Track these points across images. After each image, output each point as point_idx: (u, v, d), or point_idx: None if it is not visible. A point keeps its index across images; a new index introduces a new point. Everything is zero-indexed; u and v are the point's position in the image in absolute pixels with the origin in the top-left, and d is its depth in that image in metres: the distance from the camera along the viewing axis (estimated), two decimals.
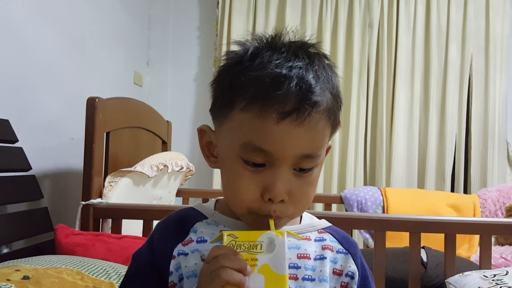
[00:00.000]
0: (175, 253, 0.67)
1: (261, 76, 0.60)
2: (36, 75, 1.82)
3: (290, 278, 0.62)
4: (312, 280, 0.66)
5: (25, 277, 1.02)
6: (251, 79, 0.61)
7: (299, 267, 0.66)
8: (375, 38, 3.02)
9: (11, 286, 0.96)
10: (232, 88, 0.62)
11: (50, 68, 1.92)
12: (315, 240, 0.70)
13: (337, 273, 0.69)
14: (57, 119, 1.96)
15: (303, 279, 0.65)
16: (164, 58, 3.17)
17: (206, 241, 0.67)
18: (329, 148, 0.71)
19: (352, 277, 0.69)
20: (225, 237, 0.59)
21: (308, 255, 0.67)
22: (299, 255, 0.67)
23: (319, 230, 0.72)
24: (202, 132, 0.71)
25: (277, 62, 0.61)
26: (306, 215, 0.74)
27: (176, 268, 0.66)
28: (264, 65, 0.61)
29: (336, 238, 0.71)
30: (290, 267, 0.64)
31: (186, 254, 0.66)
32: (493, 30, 2.99)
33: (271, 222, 0.61)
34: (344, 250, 0.70)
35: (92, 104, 1.62)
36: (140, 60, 2.98)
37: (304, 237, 0.69)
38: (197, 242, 0.67)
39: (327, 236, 0.71)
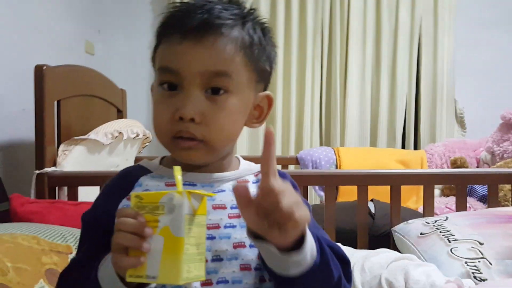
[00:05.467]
0: (120, 208, 0.67)
1: (173, 11, 0.69)
2: None
3: (212, 227, 0.65)
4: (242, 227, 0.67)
5: None
6: (166, 17, 0.70)
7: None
8: (328, 1, 3.03)
9: None
10: (157, 34, 0.71)
11: None
12: (253, 182, 0.73)
13: None
14: (6, 90, 1.91)
15: (225, 227, 0.67)
16: (116, 25, 3.10)
17: None
18: (270, 100, 0.74)
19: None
20: (132, 198, 0.58)
21: None
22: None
23: (255, 173, 0.75)
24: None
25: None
26: (244, 162, 0.78)
27: None
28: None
29: None
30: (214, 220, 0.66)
31: None
32: None
33: (176, 169, 0.60)
34: None
35: (39, 72, 1.59)
36: (92, 28, 2.90)
37: (243, 179, 0.73)
38: None
39: None
